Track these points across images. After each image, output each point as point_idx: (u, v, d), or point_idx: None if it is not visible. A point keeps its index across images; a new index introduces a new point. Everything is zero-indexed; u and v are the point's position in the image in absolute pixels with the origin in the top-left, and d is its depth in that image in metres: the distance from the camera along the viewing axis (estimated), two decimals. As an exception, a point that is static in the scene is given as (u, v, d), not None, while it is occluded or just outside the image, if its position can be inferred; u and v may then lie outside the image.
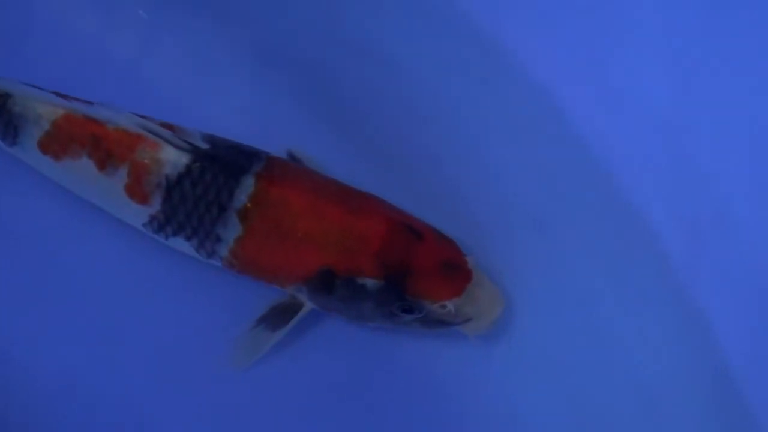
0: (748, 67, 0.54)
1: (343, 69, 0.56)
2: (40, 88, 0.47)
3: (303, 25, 0.57)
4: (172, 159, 0.45)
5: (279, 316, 0.46)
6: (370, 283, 0.44)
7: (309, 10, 0.57)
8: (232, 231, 0.45)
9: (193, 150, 0.45)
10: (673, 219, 0.55)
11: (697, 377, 0.53)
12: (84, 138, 0.45)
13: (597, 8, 0.57)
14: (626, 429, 0.53)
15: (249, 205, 0.44)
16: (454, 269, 0.45)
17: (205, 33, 0.56)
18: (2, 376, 0.52)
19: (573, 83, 0.56)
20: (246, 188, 0.44)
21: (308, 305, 0.46)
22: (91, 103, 0.47)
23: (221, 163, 0.45)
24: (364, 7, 0.57)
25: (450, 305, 0.44)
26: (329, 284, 0.45)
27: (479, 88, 0.56)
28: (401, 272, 0.44)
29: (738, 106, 0.54)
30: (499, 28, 0.57)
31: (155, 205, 0.45)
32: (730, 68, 0.55)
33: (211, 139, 0.46)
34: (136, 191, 0.45)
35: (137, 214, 0.46)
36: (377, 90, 0.55)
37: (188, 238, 0.45)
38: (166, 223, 0.45)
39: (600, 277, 0.53)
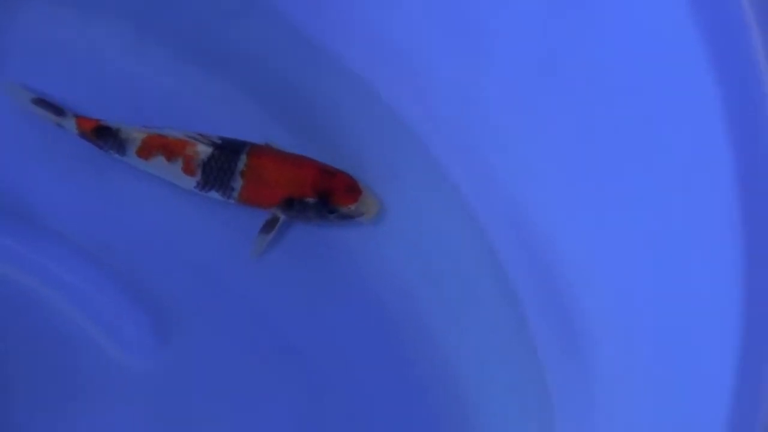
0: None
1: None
2: (131, 124, 0.70)
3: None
4: (203, 150, 0.69)
5: (270, 225, 0.71)
6: (311, 201, 0.70)
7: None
8: (238, 183, 0.70)
9: (213, 144, 0.69)
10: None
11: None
12: (158, 146, 0.70)
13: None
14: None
15: (244, 168, 0.69)
16: (352, 189, 0.70)
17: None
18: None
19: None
20: (242, 160, 0.69)
21: (282, 217, 0.70)
22: (160, 127, 0.70)
23: (228, 149, 0.70)
24: None
25: (353, 207, 0.70)
26: (290, 205, 0.70)
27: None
28: (326, 193, 0.70)
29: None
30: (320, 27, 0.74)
31: (198, 176, 0.70)
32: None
33: (221, 138, 0.70)
34: (188, 170, 0.70)
35: (189, 183, 0.70)
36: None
37: (217, 190, 0.70)
38: (205, 184, 0.70)
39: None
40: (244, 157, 0.70)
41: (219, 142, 0.70)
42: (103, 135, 0.72)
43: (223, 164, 0.70)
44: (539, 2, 0.62)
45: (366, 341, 0.72)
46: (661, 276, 0.58)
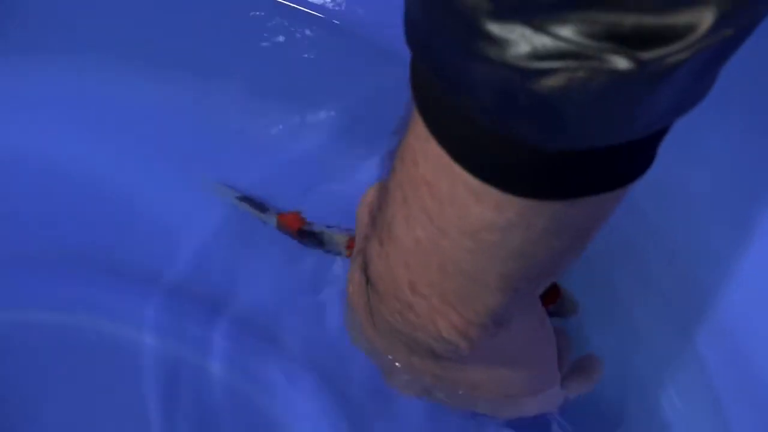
0: None
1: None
2: (334, 227, 0.70)
3: None
4: None
5: None
6: None
7: None
8: None
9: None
10: None
11: None
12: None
13: None
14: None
15: None
16: (550, 291, 0.66)
17: None
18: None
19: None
20: None
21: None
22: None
23: None
24: None
25: (551, 308, 0.67)
26: None
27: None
28: None
29: None
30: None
31: None
32: None
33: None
34: None
35: None
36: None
37: None
38: None
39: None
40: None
41: None
42: (306, 236, 0.73)
43: None
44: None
45: None
46: None
